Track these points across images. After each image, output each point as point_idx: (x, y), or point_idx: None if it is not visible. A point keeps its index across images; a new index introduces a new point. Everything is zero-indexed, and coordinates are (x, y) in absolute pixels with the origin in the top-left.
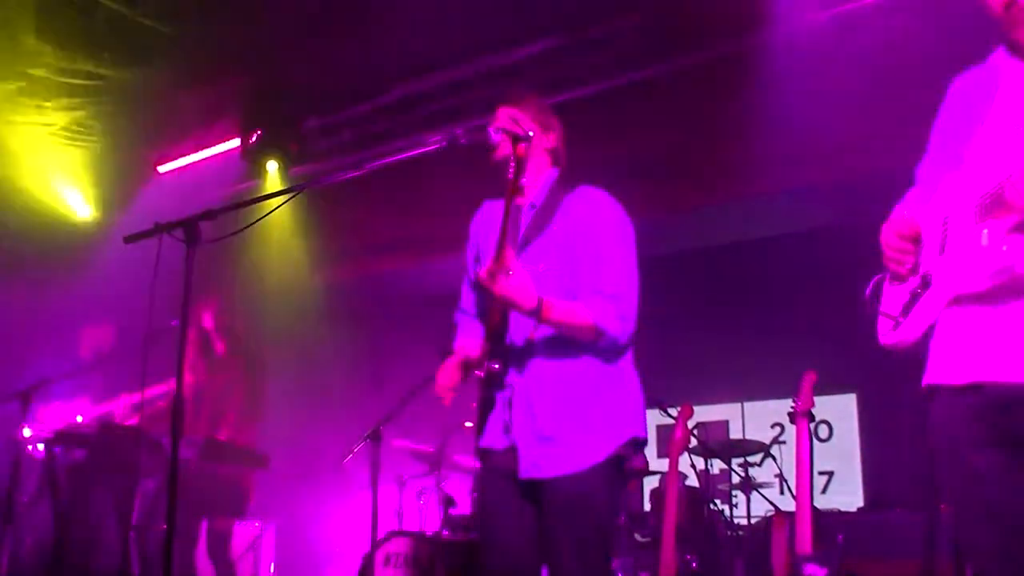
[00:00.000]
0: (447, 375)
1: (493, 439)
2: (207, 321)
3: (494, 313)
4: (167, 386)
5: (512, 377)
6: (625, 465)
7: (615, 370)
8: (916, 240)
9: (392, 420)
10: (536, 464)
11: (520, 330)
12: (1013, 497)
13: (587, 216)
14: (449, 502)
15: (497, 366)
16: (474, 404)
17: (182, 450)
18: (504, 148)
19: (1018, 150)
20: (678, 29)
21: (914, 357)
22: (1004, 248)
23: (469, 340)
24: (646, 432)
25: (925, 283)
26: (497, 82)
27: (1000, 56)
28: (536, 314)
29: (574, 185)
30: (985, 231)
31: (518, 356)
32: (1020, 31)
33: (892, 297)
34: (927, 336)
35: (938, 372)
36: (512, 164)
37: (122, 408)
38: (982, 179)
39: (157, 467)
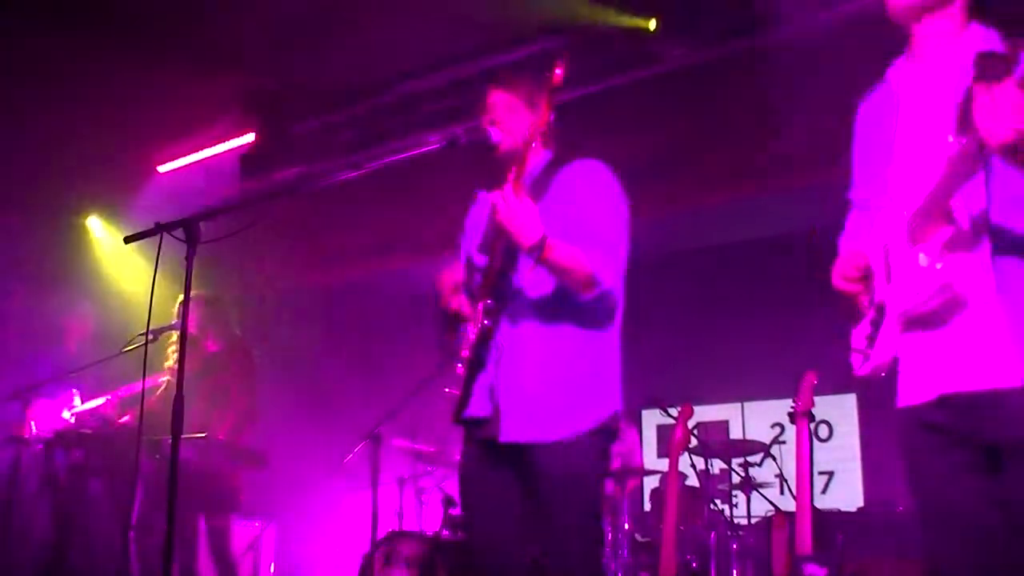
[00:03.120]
0: (449, 275)
1: (478, 406)
2: (193, 320)
3: (493, 263)
4: (146, 384)
5: (502, 337)
6: (609, 441)
7: (605, 341)
8: (865, 277)
9: (392, 419)
10: (520, 427)
11: (516, 288)
12: (979, 506)
13: (582, 183)
14: (449, 502)
15: (488, 322)
16: (460, 368)
17: (181, 450)
18: (505, 144)
19: (931, 156)
20: (679, 27)
21: None
22: (939, 267)
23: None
24: (622, 406)
25: (881, 312)
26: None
27: (896, 67)
28: (538, 250)
29: (570, 160)
30: (921, 253)
31: (511, 316)
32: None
33: (858, 332)
34: (894, 363)
35: (905, 395)
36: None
37: (110, 407)
38: (907, 199)
39: (156, 466)
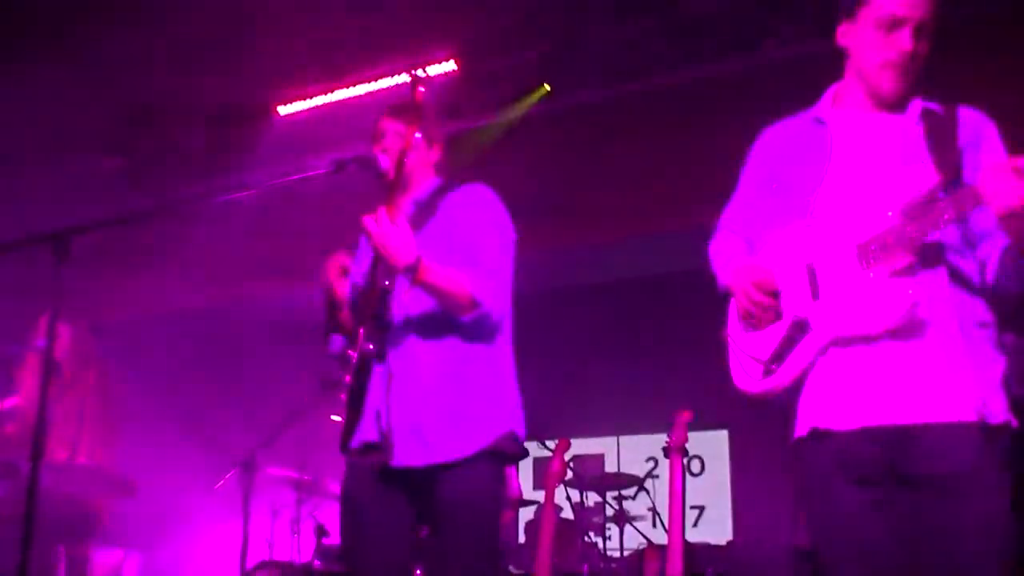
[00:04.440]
0: (335, 260)
1: (367, 432)
2: (58, 343)
3: (373, 289)
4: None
5: (389, 360)
6: (506, 460)
7: (491, 362)
8: (774, 290)
9: (267, 447)
10: (412, 450)
11: (399, 310)
12: (886, 538)
13: (467, 206)
14: (322, 531)
15: (372, 347)
16: (343, 395)
17: (42, 475)
18: (394, 173)
19: (891, 197)
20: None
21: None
22: (899, 290)
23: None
24: (524, 430)
25: (801, 328)
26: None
27: (830, 105)
28: (413, 271)
29: (459, 184)
30: (871, 275)
31: (395, 339)
32: (887, 85)
33: (757, 343)
34: (798, 381)
35: (824, 417)
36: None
37: None
38: (851, 227)
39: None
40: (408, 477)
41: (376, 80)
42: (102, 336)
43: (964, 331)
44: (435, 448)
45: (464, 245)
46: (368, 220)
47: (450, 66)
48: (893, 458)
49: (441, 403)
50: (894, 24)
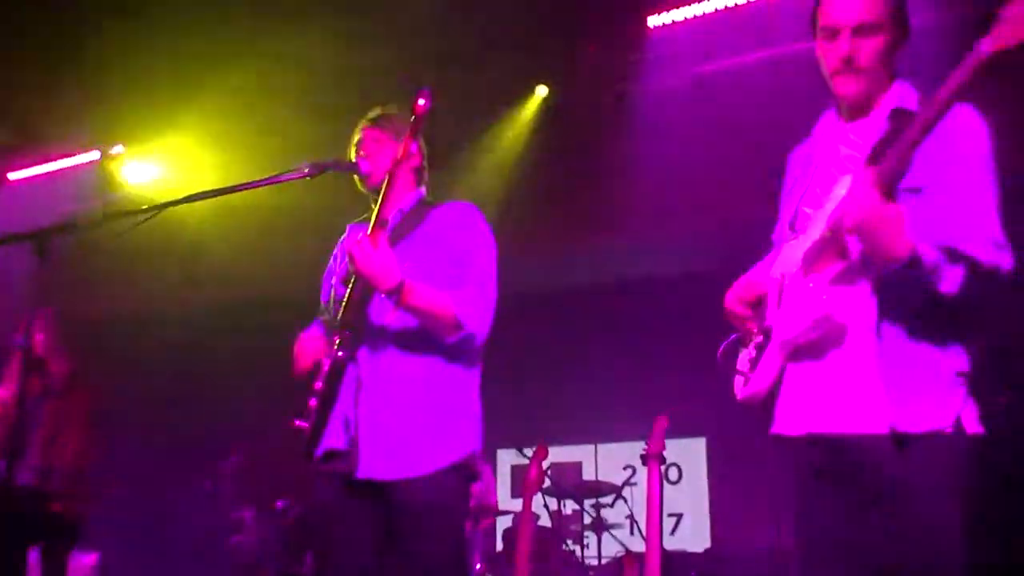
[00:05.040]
0: (305, 354)
1: (334, 439)
2: (39, 341)
3: (353, 297)
4: None
5: (362, 370)
6: (469, 481)
7: (465, 380)
8: (758, 303)
9: (243, 451)
10: (378, 463)
11: (378, 319)
12: (856, 536)
13: (452, 223)
14: (303, 533)
15: (343, 354)
16: (312, 401)
17: (19, 474)
18: (375, 176)
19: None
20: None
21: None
22: (824, 297)
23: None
24: (480, 452)
25: (768, 337)
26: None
27: (823, 120)
28: (396, 293)
29: (442, 200)
30: (811, 284)
31: (371, 348)
32: (839, 90)
33: (743, 355)
34: (776, 387)
35: (780, 423)
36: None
37: None
38: (808, 235)
39: None
40: (373, 488)
41: None
42: (78, 336)
43: (883, 339)
44: (402, 462)
45: (449, 263)
46: (352, 245)
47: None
48: (838, 462)
49: (411, 417)
50: (833, 33)
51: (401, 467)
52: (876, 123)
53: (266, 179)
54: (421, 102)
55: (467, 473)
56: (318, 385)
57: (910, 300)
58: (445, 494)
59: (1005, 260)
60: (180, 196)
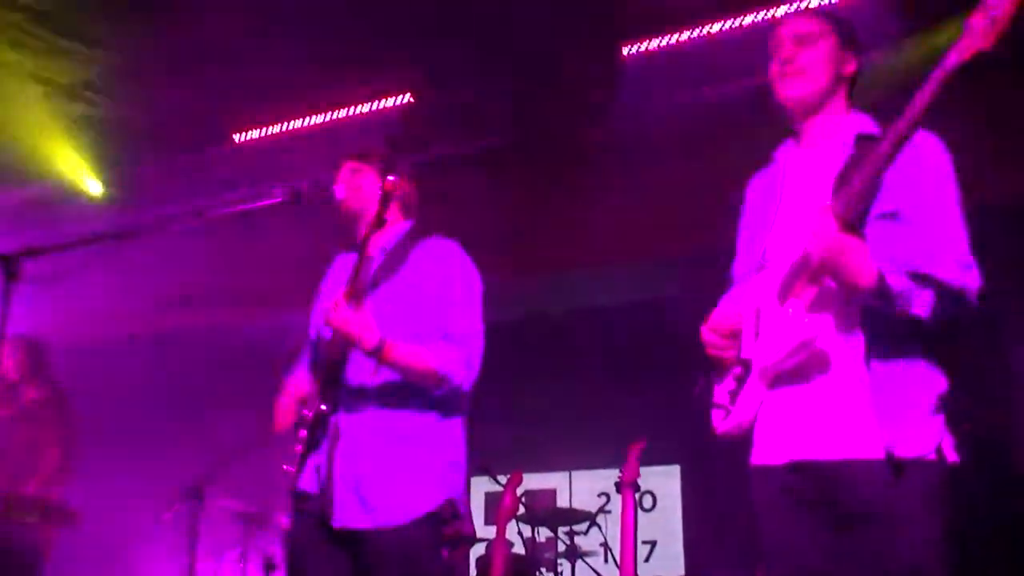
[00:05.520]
0: (286, 414)
1: (308, 483)
2: (9, 365)
3: (333, 353)
4: None
5: (341, 422)
6: (444, 527)
7: (447, 429)
8: (734, 335)
9: (217, 480)
10: (352, 513)
11: (357, 374)
12: (833, 566)
13: (437, 264)
14: (270, 566)
15: (325, 407)
16: (297, 447)
17: None
18: (350, 202)
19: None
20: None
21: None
22: (805, 321)
23: (302, 377)
24: (461, 496)
25: (747, 369)
26: (343, 138)
27: (784, 148)
28: (377, 353)
29: (426, 236)
30: (789, 310)
31: (351, 401)
32: (777, 93)
33: (721, 388)
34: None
35: (760, 453)
36: (379, 202)
37: None
38: (783, 265)
39: None
40: (349, 536)
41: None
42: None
43: (871, 365)
44: (376, 512)
45: (432, 311)
46: (329, 307)
47: (406, 98)
48: (823, 489)
49: (386, 469)
50: (777, 46)
51: (375, 517)
52: (840, 150)
53: (242, 206)
54: (390, 179)
55: (442, 520)
56: (302, 433)
57: (896, 325)
58: (419, 544)
59: (972, 280)
60: None
